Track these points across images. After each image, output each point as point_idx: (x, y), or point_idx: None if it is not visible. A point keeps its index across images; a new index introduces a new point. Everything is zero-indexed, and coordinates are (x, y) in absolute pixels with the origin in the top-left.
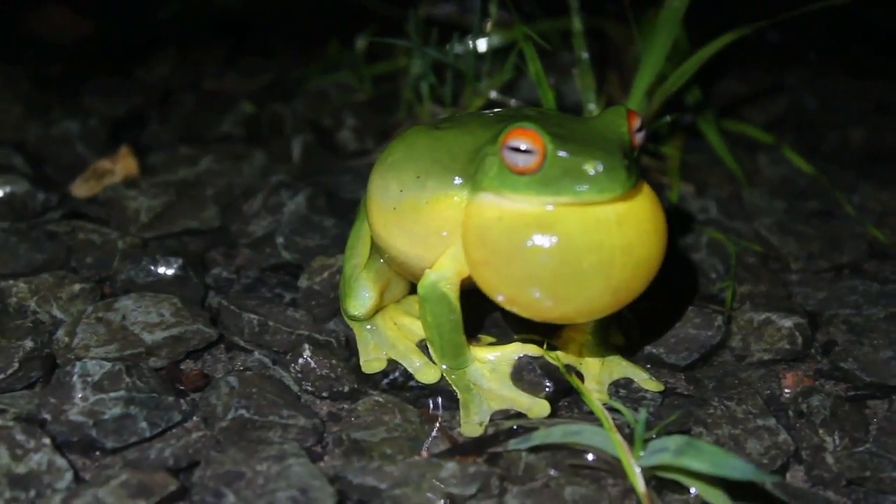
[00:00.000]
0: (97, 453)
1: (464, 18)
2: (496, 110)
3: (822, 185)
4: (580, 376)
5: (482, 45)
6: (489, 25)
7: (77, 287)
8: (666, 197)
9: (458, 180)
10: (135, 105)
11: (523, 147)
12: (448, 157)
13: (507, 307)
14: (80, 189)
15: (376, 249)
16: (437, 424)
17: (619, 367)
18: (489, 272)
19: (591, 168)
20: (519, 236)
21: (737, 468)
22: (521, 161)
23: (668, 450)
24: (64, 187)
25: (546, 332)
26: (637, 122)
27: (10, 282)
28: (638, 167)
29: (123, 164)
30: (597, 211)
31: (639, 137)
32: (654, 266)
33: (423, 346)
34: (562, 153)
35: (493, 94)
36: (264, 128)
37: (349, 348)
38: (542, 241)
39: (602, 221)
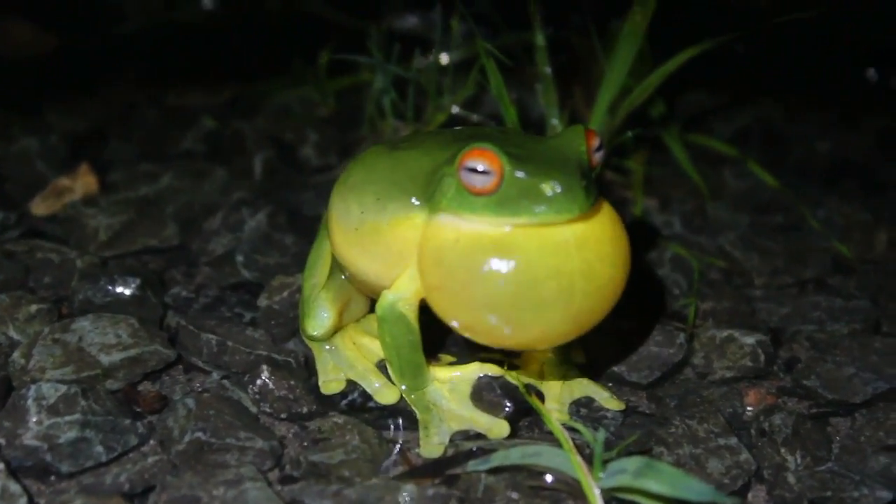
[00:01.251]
0: (52, 478)
1: (428, 32)
2: (456, 129)
3: (787, 199)
4: (541, 396)
5: (444, 59)
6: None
7: (34, 308)
8: (629, 211)
9: (417, 202)
10: (96, 121)
11: (480, 168)
12: (407, 178)
13: (464, 333)
14: (39, 207)
15: (338, 267)
16: (397, 446)
17: (580, 386)
18: (445, 297)
19: (548, 189)
20: (476, 260)
21: (696, 490)
22: (478, 182)
23: (627, 471)
24: (23, 206)
25: (506, 352)
26: (596, 142)
27: None
28: (596, 187)
29: (83, 182)
30: (556, 234)
31: (597, 157)
32: (617, 291)
33: (382, 367)
34: (519, 174)
35: (456, 110)
36: (226, 144)
37: (308, 368)
38: (499, 265)
39: (561, 245)
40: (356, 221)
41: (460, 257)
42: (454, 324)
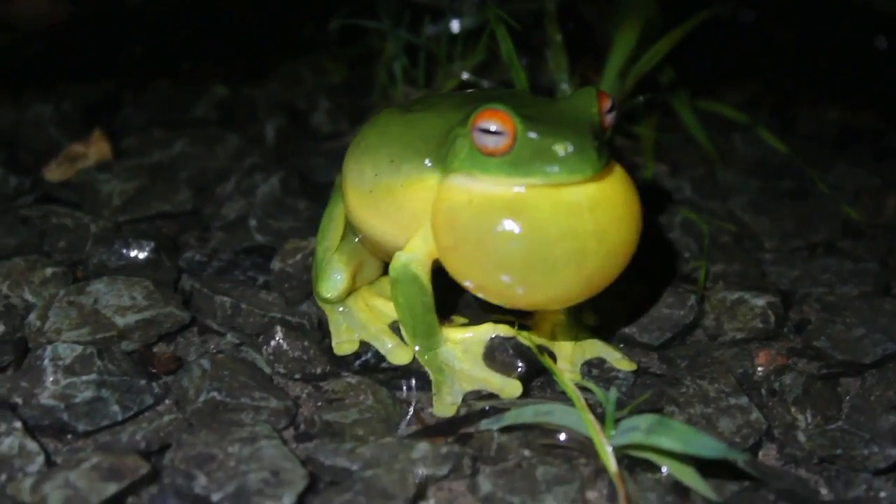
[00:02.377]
0: (69, 437)
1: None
2: (468, 91)
3: (797, 164)
4: (553, 356)
5: (455, 26)
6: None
7: (49, 271)
8: (640, 177)
9: (430, 163)
10: (109, 89)
11: (493, 128)
12: (420, 140)
13: (477, 293)
14: (54, 173)
15: (351, 229)
16: (410, 406)
17: (592, 347)
18: (458, 258)
19: (561, 149)
20: (489, 221)
21: (707, 446)
22: (491, 142)
23: (639, 429)
24: (37, 171)
25: (518, 313)
26: (607, 104)
27: None
28: (608, 148)
29: (97, 148)
30: (569, 196)
31: (609, 118)
32: (629, 252)
33: (395, 328)
34: (532, 134)
35: (466, 76)
36: (238, 111)
37: (321, 330)
38: (512, 226)
39: (574, 207)
40: (370, 183)
41: (473, 218)
42: (467, 283)
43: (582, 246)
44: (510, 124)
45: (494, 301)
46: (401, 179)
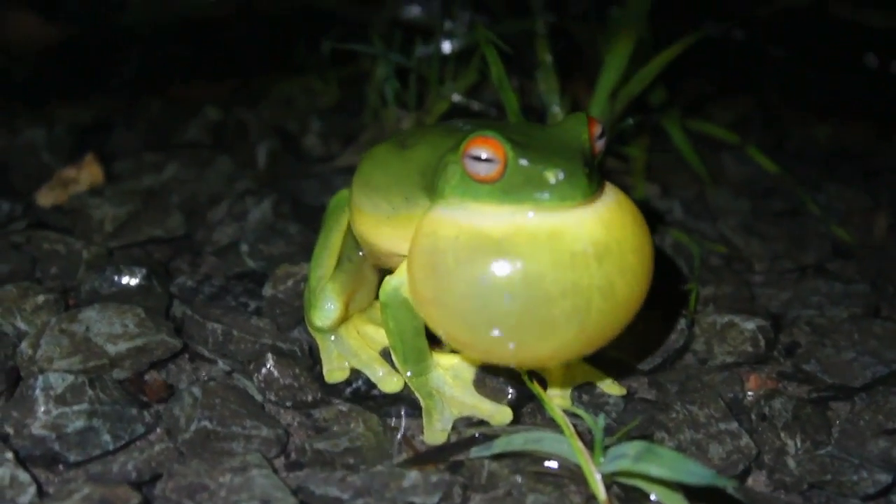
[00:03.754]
0: (60, 467)
1: (430, 21)
2: (459, 121)
3: (787, 185)
4: (543, 382)
5: (446, 48)
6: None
7: (41, 298)
8: (631, 198)
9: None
10: (101, 112)
11: (485, 156)
12: (422, 175)
13: (459, 349)
14: (46, 198)
15: (354, 243)
16: (400, 433)
17: (582, 372)
18: (439, 310)
19: (551, 176)
20: (478, 268)
21: (696, 473)
22: (482, 170)
23: (627, 456)
24: (29, 197)
25: None
26: (598, 129)
27: None
28: (599, 174)
29: (89, 172)
30: (572, 243)
31: (599, 144)
32: (637, 305)
33: (386, 355)
34: (523, 161)
35: (457, 98)
36: (230, 134)
37: (313, 357)
38: (506, 275)
39: (579, 256)
40: (387, 214)
41: (460, 263)
42: (445, 337)
43: (585, 303)
44: (501, 151)
45: (479, 357)
46: (419, 211)
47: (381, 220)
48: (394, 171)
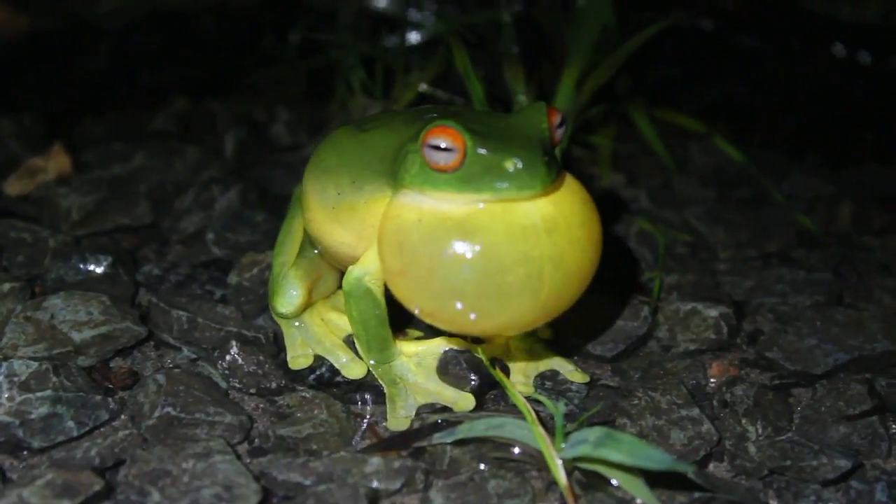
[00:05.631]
0: (24, 453)
1: (399, 10)
2: (421, 108)
3: (753, 173)
4: (506, 369)
5: (413, 37)
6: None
7: (7, 286)
8: (597, 186)
9: (389, 181)
10: (69, 102)
11: (443, 145)
12: (377, 160)
13: (425, 319)
14: (13, 187)
15: (310, 242)
16: (364, 419)
17: (546, 360)
18: (407, 283)
19: (510, 165)
20: (439, 244)
21: (655, 459)
22: (441, 159)
23: (588, 441)
24: None
25: None
26: (557, 118)
27: None
28: (558, 163)
29: (56, 162)
30: (524, 217)
31: (559, 133)
32: (588, 276)
33: (349, 342)
34: (481, 150)
35: (424, 87)
36: (197, 123)
37: (277, 344)
38: (464, 250)
39: (529, 229)
40: (333, 201)
41: (423, 241)
42: (416, 310)
43: (538, 272)
44: (460, 141)
45: (444, 328)
46: (364, 198)
47: (326, 211)
48: (346, 153)
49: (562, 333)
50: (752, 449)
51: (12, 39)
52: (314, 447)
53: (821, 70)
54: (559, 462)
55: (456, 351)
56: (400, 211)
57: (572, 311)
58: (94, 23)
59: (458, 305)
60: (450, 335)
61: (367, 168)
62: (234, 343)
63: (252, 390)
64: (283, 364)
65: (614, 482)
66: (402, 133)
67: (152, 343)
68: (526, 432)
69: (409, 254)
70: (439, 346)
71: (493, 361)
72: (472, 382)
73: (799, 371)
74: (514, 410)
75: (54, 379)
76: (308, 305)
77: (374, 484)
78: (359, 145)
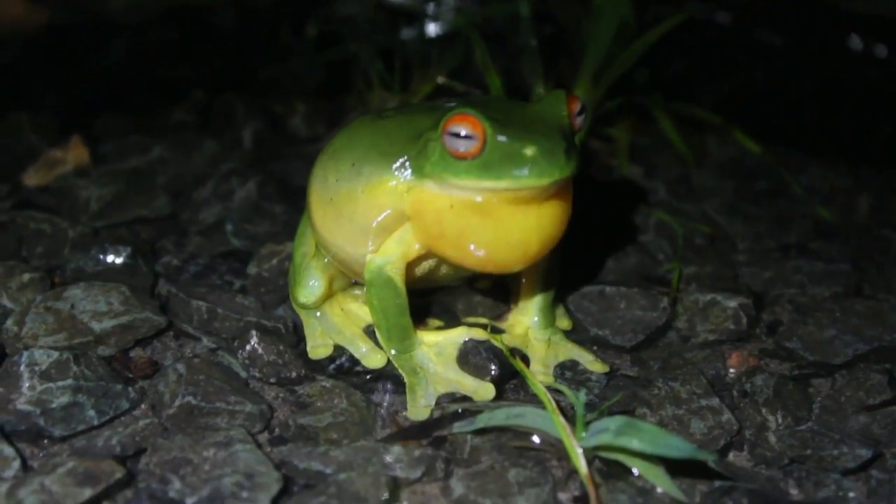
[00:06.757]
0: (45, 441)
1: (417, 4)
2: (443, 100)
3: (771, 166)
4: (526, 359)
5: (431, 30)
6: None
7: (27, 276)
8: (615, 178)
9: (395, 164)
10: (87, 94)
11: (464, 132)
12: (387, 142)
13: (448, 257)
14: (32, 179)
15: (321, 249)
16: (384, 409)
17: (565, 350)
18: (444, 241)
19: (530, 152)
20: (467, 220)
21: (676, 447)
22: (461, 146)
23: (608, 430)
24: (15, 177)
25: (493, 316)
26: (577, 106)
27: None
28: (578, 151)
29: (75, 154)
30: (527, 206)
31: (579, 121)
32: (559, 237)
33: (369, 332)
34: (501, 138)
35: (442, 80)
36: (216, 116)
37: (297, 334)
38: (484, 224)
39: (530, 212)
40: (332, 191)
41: (456, 218)
42: (445, 253)
43: (528, 237)
44: (480, 128)
45: (467, 265)
46: (361, 183)
47: (326, 206)
48: (358, 139)
49: (581, 324)
50: (772, 438)
51: (31, 34)
52: (334, 436)
53: (837, 63)
54: (580, 451)
55: (476, 341)
56: (433, 198)
57: (591, 301)
58: (112, 17)
59: (477, 252)
60: (470, 325)
61: (372, 149)
62: (253, 333)
63: (272, 380)
64: (303, 354)
65: (635, 471)
66: (420, 121)
67: (172, 333)
68: (546, 421)
69: (447, 225)
70: (459, 335)
71: (513, 351)
72: (493, 372)
73: (818, 361)
74: (534, 400)
75: (75, 368)
76: (329, 296)
77: (395, 472)
78: (374, 131)
